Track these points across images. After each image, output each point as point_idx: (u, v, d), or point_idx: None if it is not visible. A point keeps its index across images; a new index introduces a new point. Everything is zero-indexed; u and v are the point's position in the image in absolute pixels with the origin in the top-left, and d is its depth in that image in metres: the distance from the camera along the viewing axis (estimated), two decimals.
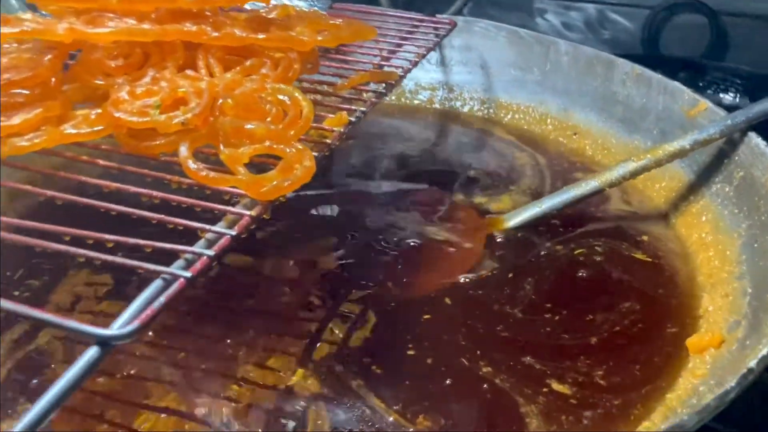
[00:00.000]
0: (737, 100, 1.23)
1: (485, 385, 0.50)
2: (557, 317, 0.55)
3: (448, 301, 0.58)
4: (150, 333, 0.55)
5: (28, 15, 0.55)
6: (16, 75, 0.52)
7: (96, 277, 0.60)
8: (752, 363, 0.39)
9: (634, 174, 0.65)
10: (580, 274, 0.60)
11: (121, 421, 0.48)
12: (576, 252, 0.62)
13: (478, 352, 0.53)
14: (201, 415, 0.49)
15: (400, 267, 0.62)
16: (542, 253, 0.63)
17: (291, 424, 0.48)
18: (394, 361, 0.53)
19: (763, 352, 0.39)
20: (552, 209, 0.66)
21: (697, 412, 0.36)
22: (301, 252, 0.64)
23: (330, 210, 0.70)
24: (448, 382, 0.51)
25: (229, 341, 0.54)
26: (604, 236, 0.65)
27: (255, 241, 0.64)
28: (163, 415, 0.49)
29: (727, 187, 0.63)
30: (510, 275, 0.60)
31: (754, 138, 0.61)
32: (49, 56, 0.55)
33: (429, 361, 0.52)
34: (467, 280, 0.59)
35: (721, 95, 1.25)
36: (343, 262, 0.63)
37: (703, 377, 0.47)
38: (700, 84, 1.25)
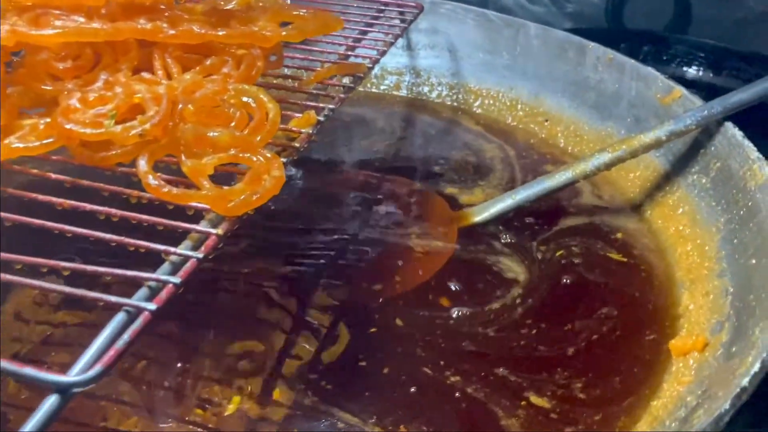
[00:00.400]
0: (700, 73, 1.23)
1: (457, 394, 0.49)
2: (534, 330, 0.54)
3: (399, 322, 0.55)
4: None
5: None
6: None
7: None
8: (744, 381, 0.38)
9: (609, 165, 0.64)
10: (564, 281, 0.58)
11: None
12: (557, 254, 0.61)
13: (442, 362, 0.51)
14: None
15: (368, 268, 0.60)
16: (539, 257, 0.61)
17: None
18: (348, 373, 0.51)
19: (755, 368, 0.39)
20: (523, 202, 0.65)
21: None
22: (264, 252, 0.62)
23: (294, 207, 0.67)
24: (412, 390, 0.49)
25: (190, 358, 0.52)
26: (579, 235, 0.63)
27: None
28: None
29: (703, 178, 0.62)
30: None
31: (730, 128, 0.60)
32: None
33: (385, 370, 0.51)
34: (460, 314, 0.56)
35: (685, 69, 1.24)
36: (309, 265, 0.60)
37: (688, 384, 0.46)
38: (664, 57, 1.25)
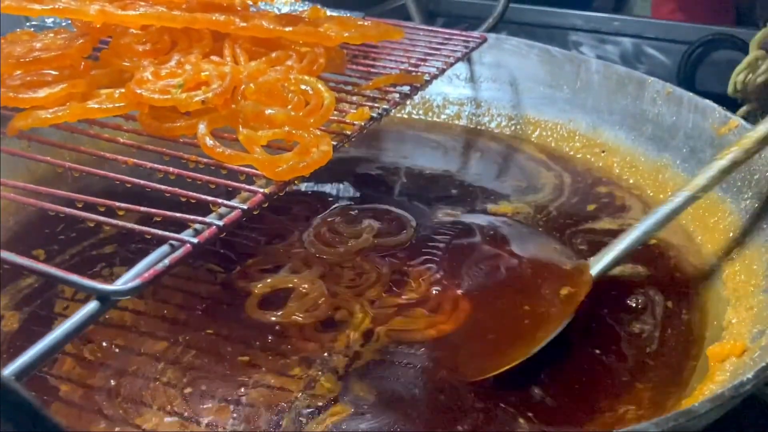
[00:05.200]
0: None
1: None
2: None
3: None
4: (161, 332, 0.54)
5: None
6: (45, 53, 0.53)
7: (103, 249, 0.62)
8: None
9: (727, 171, 0.58)
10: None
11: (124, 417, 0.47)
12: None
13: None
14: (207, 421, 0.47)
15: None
16: None
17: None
18: None
19: None
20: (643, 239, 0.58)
21: (710, 399, 0.35)
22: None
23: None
24: None
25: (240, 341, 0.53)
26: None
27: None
28: (167, 419, 0.47)
29: (756, 203, 0.61)
30: None
31: None
32: (81, 40, 0.56)
33: None
34: None
35: None
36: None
37: (722, 383, 0.45)
38: None
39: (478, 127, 0.88)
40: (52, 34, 0.59)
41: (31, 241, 0.63)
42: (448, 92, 0.90)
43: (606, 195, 0.74)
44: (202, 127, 0.48)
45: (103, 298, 0.35)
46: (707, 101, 0.71)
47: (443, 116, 0.90)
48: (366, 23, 0.65)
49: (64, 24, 0.70)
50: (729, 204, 0.64)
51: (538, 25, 1.47)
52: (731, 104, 1.23)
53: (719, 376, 0.46)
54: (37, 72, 0.53)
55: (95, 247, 0.62)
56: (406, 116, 0.90)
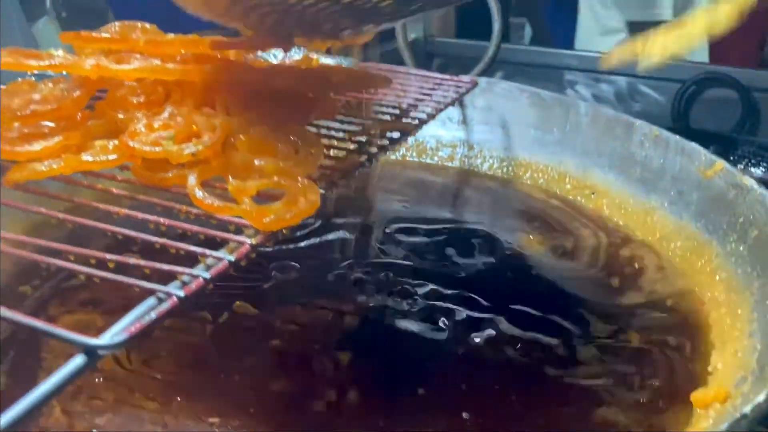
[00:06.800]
0: None
1: None
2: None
3: None
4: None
5: (59, 51, 0.58)
6: (42, 106, 0.55)
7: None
8: (747, 409, 0.37)
9: None
10: None
11: None
12: None
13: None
14: None
15: None
16: None
17: None
18: None
19: (760, 398, 0.38)
20: None
21: None
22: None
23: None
24: None
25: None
26: None
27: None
28: None
29: (741, 246, 0.62)
30: None
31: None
32: (78, 92, 0.58)
33: None
34: None
35: (753, 169, 1.24)
36: None
37: (705, 429, 0.45)
38: (731, 158, 1.25)
39: (472, 169, 0.90)
40: (51, 84, 0.61)
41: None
42: (442, 135, 0.91)
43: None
44: (192, 179, 0.49)
45: (90, 351, 0.36)
46: (693, 144, 0.73)
47: (436, 158, 0.92)
48: (356, 68, 0.66)
49: (64, 72, 0.73)
50: (715, 246, 0.65)
51: (533, 65, 1.50)
52: (726, 142, 1.25)
53: (703, 422, 0.46)
54: (35, 124, 0.54)
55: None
56: (400, 158, 0.92)
